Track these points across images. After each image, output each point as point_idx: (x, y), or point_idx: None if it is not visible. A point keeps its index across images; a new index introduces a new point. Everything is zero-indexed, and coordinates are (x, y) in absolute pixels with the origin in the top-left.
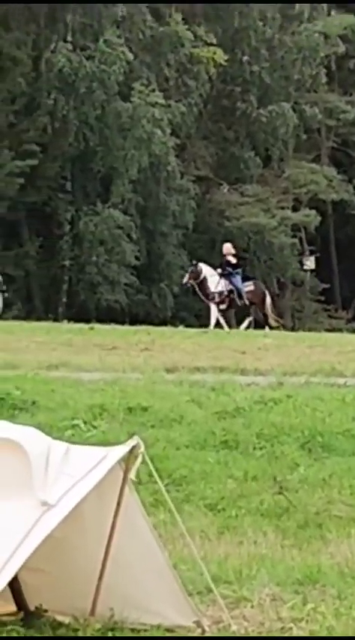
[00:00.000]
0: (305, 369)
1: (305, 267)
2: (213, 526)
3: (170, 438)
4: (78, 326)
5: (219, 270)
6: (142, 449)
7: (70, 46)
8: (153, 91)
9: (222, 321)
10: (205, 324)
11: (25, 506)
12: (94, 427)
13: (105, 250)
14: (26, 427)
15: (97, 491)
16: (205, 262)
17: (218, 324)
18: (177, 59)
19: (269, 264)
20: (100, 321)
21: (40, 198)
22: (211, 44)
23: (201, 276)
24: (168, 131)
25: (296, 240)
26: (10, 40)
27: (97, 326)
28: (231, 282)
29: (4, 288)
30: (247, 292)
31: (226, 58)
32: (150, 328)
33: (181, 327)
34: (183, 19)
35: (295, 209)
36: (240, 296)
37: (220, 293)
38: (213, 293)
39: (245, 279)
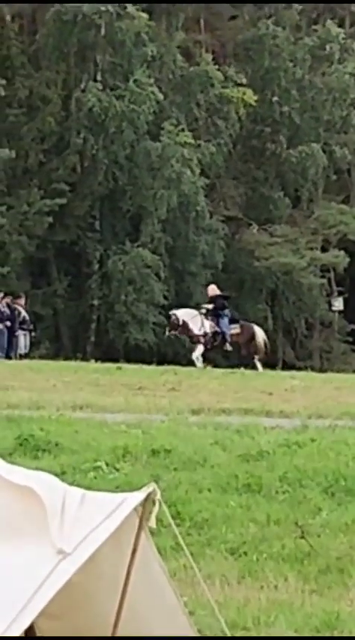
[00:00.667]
0: (331, 412)
1: (333, 308)
2: (234, 570)
3: (193, 480)
4: (105, 365)
5: (204, 310)
6: (158, 495)
7: (99, 86)
8: (183, 130)
9: (196, 356)
10: (236, 364)
11: (41, 554)
12: (117, 469)
13: (134, 289)
14: (41, 473)
15: (114, 538)
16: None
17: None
18: (206, 99)
19: (297, 305)
20: (128, 360)
21: (69, 237)
22: (241, 84)
23: (180, 322)
24: (198, 171)
25: (325, 281)
26: (40, 79)
27: (125, 365)
28: (217, 324)
29: (31, 327)
30: (233, 334)
31: (256, 98)
32: (178, 368)
33: (209, 368)
34: (213, 59)
35: (324, 250)
36: (224, 339)
37: (205, 334)
38: (198, 335)
39: (232, 321)
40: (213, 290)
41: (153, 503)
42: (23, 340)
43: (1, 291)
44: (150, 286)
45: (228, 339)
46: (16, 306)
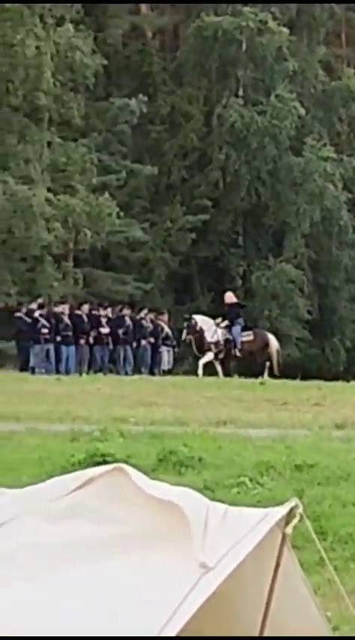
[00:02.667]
0: None
1: None
2: None
3: (336, 495)
4: (249, 381)
5: (219, 320)
6: (301, 510)
7: (241, 101)
8: (325, 145)
9: (218, 368)
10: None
11: (184, 569)
12: (260, 485)
13: (278, 305)
14: (184, 488)
15: (256, 552)
16: None
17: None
18: (349, 113)
19: None
20: (272, 375)
21: (212, 253)
22: None
23: (198, 328)
24: (340, 186)
25: None
26: (182, 95)
27: (268, 380)
28: (229, 332)
29: (174, 343)
30: (246, 342)
31: None
32: (322, 383)
33: (353, 382)
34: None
35: None
36: (235, 346)
37: (216, 343)
38: (210, 343)
39: (246, 328)
40: (229, 298)
41: (295, 517)
42: (166, 356)
43: (145, 308)
44: (294, 301)
45: (238, 346)
46: (160, 322)
